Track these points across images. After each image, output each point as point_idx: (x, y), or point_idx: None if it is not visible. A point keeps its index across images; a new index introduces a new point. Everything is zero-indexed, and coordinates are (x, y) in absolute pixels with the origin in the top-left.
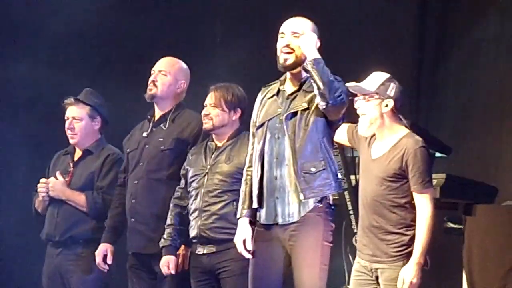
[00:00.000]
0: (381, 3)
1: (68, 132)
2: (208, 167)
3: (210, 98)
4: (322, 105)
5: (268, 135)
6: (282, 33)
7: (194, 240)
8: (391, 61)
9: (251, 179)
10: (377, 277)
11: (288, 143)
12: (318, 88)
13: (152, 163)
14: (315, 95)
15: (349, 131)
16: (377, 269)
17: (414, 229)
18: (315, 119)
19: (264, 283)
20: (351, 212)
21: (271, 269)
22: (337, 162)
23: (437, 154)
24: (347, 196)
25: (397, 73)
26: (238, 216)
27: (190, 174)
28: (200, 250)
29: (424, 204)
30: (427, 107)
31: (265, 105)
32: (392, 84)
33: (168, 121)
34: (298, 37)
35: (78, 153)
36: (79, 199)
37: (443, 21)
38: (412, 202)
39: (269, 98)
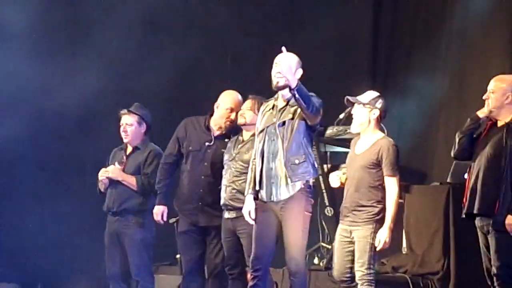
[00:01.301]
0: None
1: (123, 134)
2: (234, 154)
3: (247, 103)
4: (305, 115)
5: (267, 138)
6: (276, 63)
7: (223, 208)
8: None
9: (255, 168)
10: (353, 237)
11: (280, 143)
12: (302, 106)
13: (217, 167)
14: (297, 108)
15: None
16: (353, 230)
17: (382, 204)
18: (298, 125)
19: (263, 240)
20: (324, 191)
21: (267, 231)
22: (314, 155)
23: None
24: (320, 180)
25: (355, 86)
26: (245, 194)
27: (224, 159)
28: (226, 215)
29: (392, 185)
30: None
31: (264, 115)
32: (380, 100)
33: (232, 138)
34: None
35: (129, 149)
36: (131, 180)
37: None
38: (383, 184)
39: (267, 111)
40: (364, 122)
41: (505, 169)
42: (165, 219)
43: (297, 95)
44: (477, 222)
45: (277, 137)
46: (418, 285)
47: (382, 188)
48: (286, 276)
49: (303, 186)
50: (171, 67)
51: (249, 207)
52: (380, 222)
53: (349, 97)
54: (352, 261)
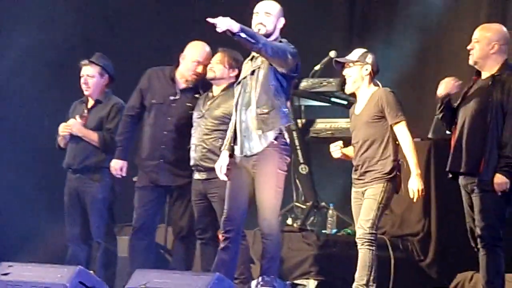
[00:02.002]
0: None
1: (83, 86)
2: (204, 111)
3: (217, 56)
4: (268, 60)
5: (242, 90)
6: (256, 12)
7: (193, 168)
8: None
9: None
10: (363, 195)
11: (251, 93)
12: (251, 47)
13: (181, 122)
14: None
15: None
16: (365, 191)
17: (394, 161)
18: (266, 73)
19: (235, 200)
20: (298, 147)
21: (240, 190)
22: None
23: None
24: (294, 136)
25: (332, 37)
26: (222, 149)
27: (193, 116)
28: (197, 176)
29: (402, 131)
30: None
31: (244, 67)
32: (369, 55)
33: (201, 92)
34: (269, 16)
35: (90, 102)
36: (93, 136)
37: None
38: (393, 137)
39: (246, 63)
40: (357, 79)
41: (491, 125)
42: (123, 174)
43: (243, 36)
44: (461, 180)
45: (249, 87)
46: (397, 246)
47: (392, 141)
48: (259, 237)
49: (275, 141)
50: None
51: (220, 163)
52: (392, 181)
53: (337, 58)
54: None
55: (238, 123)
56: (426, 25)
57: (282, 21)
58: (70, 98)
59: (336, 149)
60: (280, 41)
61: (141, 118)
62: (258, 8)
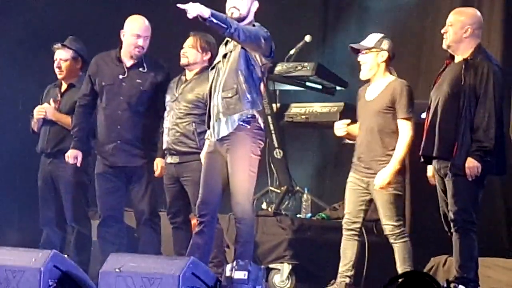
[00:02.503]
0: None
1: (57, 70)
2: (177, 95)
3: (189, 41)
4: (240, 44)
5: (215, 74)
6: None
7: (165, 152)
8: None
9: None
10: (370, 189)
11: (220, 76)
12: (221, 31)
13: (133, 100)
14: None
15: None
16: (371, 182)
17: None
18: (237, 56)
19: (209, 184)
20: (273, 132)
21: (214, 174)
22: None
23: (338, 88)
24: (269, 120)
25: (307, 21)
26: (205, 138)
27: (166, 100)
28: (169, 159)
29: (405, 128)
30: (331, 50)
31: (219, 52)
32: (385, 41)
33: (145, 66)
34: (242, 0)
35: (64, 86)
36: (66, 120)
37: None
38: (396, 130)
39: (221, 47)
40: (373, 66)
41: (464, 109)
42: (78, 163)
43: (214, 21)
44: (434, 164)
45: (221, 70)
46: (371, 231)
47: (396, 134)
48: (233, 222)
49: (248, 125)
50: None
51: (203, 151)
52: (399, 172)
53: (353, 44)
54: (365, 212)
55: (212, 108)
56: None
57: (256, 4)
58: (45, 81)
59: (342, 127)
60: (254, 25)
61: (94, 105)
62: None
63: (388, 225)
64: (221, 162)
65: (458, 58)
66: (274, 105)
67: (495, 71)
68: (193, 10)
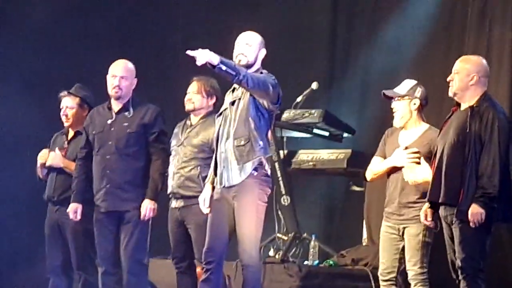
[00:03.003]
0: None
1: (63, 118)
2: (182, 139)
3: (193, 87)
4: (249, 91)
5: (223, 121)
6: (238, 43)
7: (170, 196)
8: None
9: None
10: (403, 235)
11: (230, 124)
12: (231, 79)
13: (121, 143)
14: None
15: (380, 148)
16: (403, 228)
17: None
18: (246, 104)
19: (216, 230)
20: (280, 178)
21: (221, 221)
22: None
23: (345, 135)
24: (276, 167)
25: (314, 68)
26: (205, 182)
27: (171, 144)
28: (174, 203)
29: None
30: (338, 96)
31: (226, 98)
32: (419, 88)
33: (131, 110)
34: (250, 47)
35: (71, 133)
36: (73, 167)
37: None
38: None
39: (228, 94)
40: (406, 114)
41: (469, 156)
42: (78, 217)
43: (223, 68)
44: (441, 211)
45: (230, 118)
46: (378, 278)
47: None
48: (240, 269)
49: (256, 172)
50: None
51: (204, 195)
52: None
53: (386, 91)
54: (400, 260)
55: (218, 154)
56: (405, 55)
57: (263, 52)
58: (53, 129)
59: (409, 157)
60: (261, 72)
61: (92, 156)
62: (240, 38)
63: (411, 270)
64: (227, 209)
65: (464, 106)
66: (281, 151)
67: (500, 118)
68: (202, 57)
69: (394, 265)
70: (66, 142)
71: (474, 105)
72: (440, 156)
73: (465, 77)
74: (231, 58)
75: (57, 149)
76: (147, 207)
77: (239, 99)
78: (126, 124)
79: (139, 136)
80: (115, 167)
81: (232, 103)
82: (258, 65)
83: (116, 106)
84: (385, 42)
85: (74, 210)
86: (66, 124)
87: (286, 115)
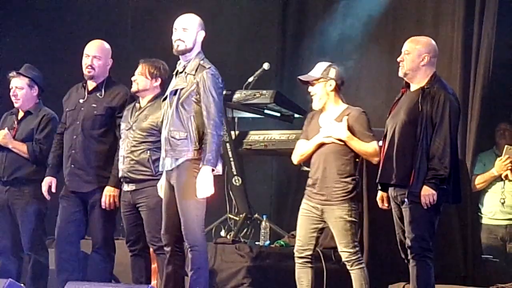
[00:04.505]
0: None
1: (13, 98)
2: (131, 123)
3: (138, 68)
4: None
5: (166, 107)
6: (175, 28)
7: (121, 180)
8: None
9: None
10: (325, 216)
11: (169, 112)
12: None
13: (87, 124)
14: (194, 82)
15: (304, 131)
16: (325, 210)
17: (355, 180)
18: (185, 97)
19: (167, 214)
20: (231, 159)
21: (170, 203)
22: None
23: (296, 115)
24: (228, 147)
25: (266, 49)
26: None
27: (121, 128)
28: (125, 187)
29: (372, 147)
30: (289, 77)
31: (171, 81)
32: (332, 69)
33: (102, 91)
34: (186, 31)
35: (20, 114)
36: (22, 148)
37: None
38: (355, 157)
39: (173, 78)
40: (323, 96)
41: (421, 137)
42: (53, 190)
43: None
44: (391, 192)
45: (171, 106)
46: (329, 258)
47: (354, 161)
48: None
49: (190, 158)
50: None
51: (161, 182)
52: (354, 199)
53: (300, 76)
54: (317, 239)
55: (162, 139)
56: (359, 34)
57: (202, 34)
58: (2, 109)
59: None
60: (203, 59)
61: None
62: (176, 23)
63: (344, 252)
64: (172, 191)
65: (414, 87)
66: (232, 132)
67: (451, 100)
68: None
69: (310, 242)
70: (15, 122)
71: (425, 86)
72: (390, 138)
73: (417, 58)
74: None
75: (6, 128)
76: (107, 195)
77: (180, 89)
78: (94, 105)
79: (105, 119)
80: (80, 148)
81: (175, 91)
82: (197, 48)
83: (90, 86)
84: (340, 17)
85: (48, 183)
86: (16, 105)
87: (237, 95)
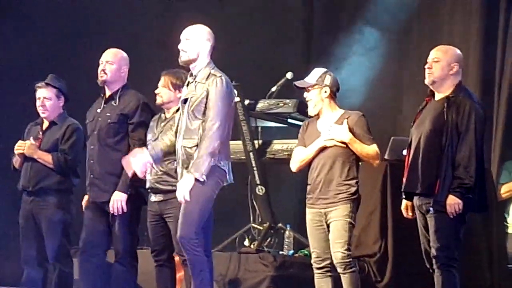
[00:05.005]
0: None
1: (40, 109)
2: (157, 133)
3: (161, 81)
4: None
5: (181, 114)
6: (180, 39)
7: (149, 190)
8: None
9: None
10: (328, 218)
11: (182, 122)
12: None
13: (102, 133)
14: (204, 90)
15: (300, 139)
16: (328, 212)
17: (357, 182)
18: (196, 105)
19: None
20: (255, 168)
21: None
22: (244, 131)
23: None
24: (251, 157)
25: (289, 57)
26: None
27: (147, 138)
28: (153, 198)
29: (373, 150)
30: None
31: (183, 90)
32: (328, 76)
33: (117, 99)
34: (188, 40)
35: (45, 124)
36: (47, 158)
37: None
38: (357, 160)
39: (186, 86)
40: (318, 102)
41: (446, 146)
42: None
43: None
44: (416, 201)
45: (182, 114)
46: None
47: (356, 164)
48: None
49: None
50: None
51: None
52: (356, 201)
53: (296, 82)
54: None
55: (177, 148)
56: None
57: (206, 44)
58: (27, 119)
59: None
60: (213, 68)
61: None
62: (182, 34)
63: (339, 252)
64: None
65: (439, 96)
66: (256, 141)
67: (476, 109)
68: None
69: (326, 251)
70: (40, 133)
71: (450, 95)
72: (415, 147)
73: (446, 66)
74: None
75: (31, 139)
76: (115, 200)
77: (191, 97)
78: (108, 114)
79: (119, 126)
80: (97, 158)
81: (185, 100)
82: (204, 59)
83: (107, 94)
84: (364, 28)
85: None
86: (43, 115)
87: (261, 105)
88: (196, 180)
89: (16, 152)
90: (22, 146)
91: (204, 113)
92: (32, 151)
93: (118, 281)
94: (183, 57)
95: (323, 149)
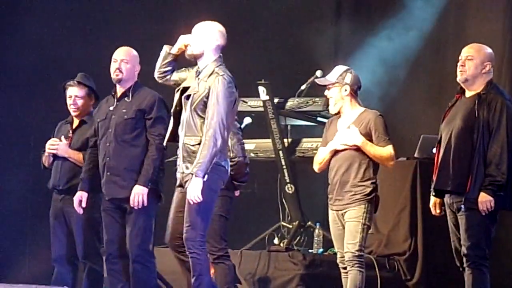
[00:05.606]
0: None
1: (71, 107)
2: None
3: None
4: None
5: (183, 111)
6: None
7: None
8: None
9: None
10: (345, 219)
11: (184, 116)
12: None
13: (119, 129)
14: (206, 88)
15: (323, 138)
16: (345, 213)
17: (374, 184)
18: (199, 103)
19: (176, 217)
20: (284, 167)
21: (179, 205)
22: (274, 129)
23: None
24: (280, 155)
25: (319, 56)
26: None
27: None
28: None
29: (389, 151)
30: None
31: (188, 78)
32: (348, 74)
33: (130, 96)
34: (195, 36)
35: (75, 122)
36: (78, 157)
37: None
38: (374, 161)
39: (190, 77)
40: (338, 100)
41: (477, 143)
42: (83, 205)
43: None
44: (447, 199)
45: (185, 110)
46: (384, 266)
47: (373, 165)
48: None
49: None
50: None
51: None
52: (372, 202)
53: (317, 80)
54: None
55: (180, 143)
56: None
57: (214, 41)
58: (56, 117)
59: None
60: (220, 65)
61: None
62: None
63: (349, 252)
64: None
65: (469, 93)
66: (285, 140)
67: (508, 106)
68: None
69: None
70: (70, 131)
71: (482, 92)
72: (446, 144)
73: (480, 65)
74: None
75: (62, 137)
76: (135, 194)
77: (194, 94)
78: (124, 110)
79: (136, 122)
80: (114, 154)
81: (188, 96)
82: (210, 56)
83: (119, 92)
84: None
85: (79, 198)
86: (74, 114)
87: (290, 103)
88: None
89: (48, 151)
90: (55, 145)
91: (205, 111)
92: (63, 150)
93: (138, 281)
94: (188, 51)
95: (338, 150)
